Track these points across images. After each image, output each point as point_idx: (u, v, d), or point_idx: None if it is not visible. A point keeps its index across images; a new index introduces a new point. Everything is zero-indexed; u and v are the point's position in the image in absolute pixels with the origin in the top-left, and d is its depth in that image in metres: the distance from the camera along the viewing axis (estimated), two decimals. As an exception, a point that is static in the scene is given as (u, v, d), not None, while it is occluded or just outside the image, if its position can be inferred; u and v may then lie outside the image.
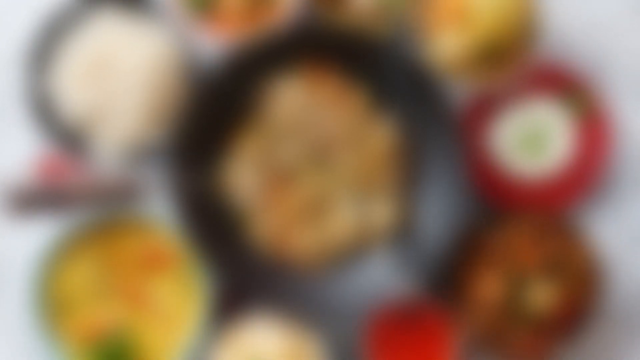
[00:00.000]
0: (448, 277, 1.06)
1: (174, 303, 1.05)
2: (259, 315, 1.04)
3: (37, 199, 1.08)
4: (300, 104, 1.06)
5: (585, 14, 1.11)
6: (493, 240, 1.04)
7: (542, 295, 1.02)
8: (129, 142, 1.04)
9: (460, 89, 1.09)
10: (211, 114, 1.06)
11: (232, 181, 1.07)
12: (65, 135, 1.06)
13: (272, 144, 1.06)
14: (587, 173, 1.08)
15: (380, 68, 1.06)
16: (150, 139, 1.05)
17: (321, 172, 1.06)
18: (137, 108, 1.04)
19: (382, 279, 1.06)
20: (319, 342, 1.05)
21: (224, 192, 1.07)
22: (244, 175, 1.06)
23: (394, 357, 1.05)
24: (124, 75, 1.04)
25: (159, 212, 1.08)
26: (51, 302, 1.04)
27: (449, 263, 1.06)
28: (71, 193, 1.08)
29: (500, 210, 1.08)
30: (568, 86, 1.09)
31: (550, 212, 1.07)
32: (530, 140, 1.09)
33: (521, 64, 1.04)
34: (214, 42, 1.09)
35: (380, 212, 1.06)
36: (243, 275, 1.05)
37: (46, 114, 1.06)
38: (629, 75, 1.10)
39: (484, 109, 1.09)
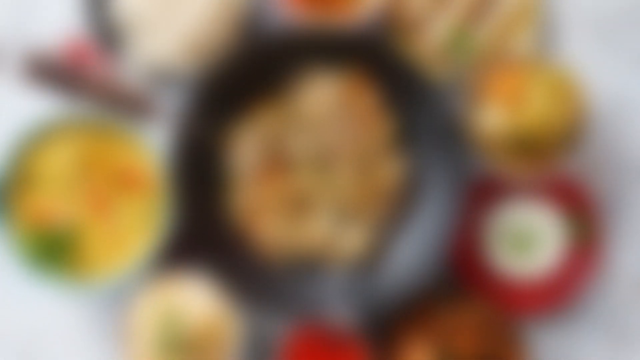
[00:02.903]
0: (384, 326, 1.07)
1: (130, 225, 1.05)
2: (197, 277, 1.04)
3: (53, 73, 1.08)
4: (327, 105, 1.06)
5: (626, 146, 1.11)
6: (441, 312, 1.04)
7: (461, 383, 1.03)
8: (162, 61, 1.04)
9: (482, 163, 1.09)
10: (245, 75, 1.06)
11: (233, 146, 1.07)
12: (105, 28, 1.06)
13: (285, 130, 1.06)
14: (559, 293, 1.08)
15: (420, 108, 1.06)
16: (182, 69, 1.05)
17: (318, 176, 1.06)
18: (184, 34, 1.04)
19: (326, 299, 1.06)
20: (242, 327, 1.05)
21: (221, 152, 1.07)
22: (247, 147, 1.06)
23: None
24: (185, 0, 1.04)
25: (155, 140, 1.08)
26: (18, 175, 1.04)
27: (391, 314, 1.07)
28: (86, 83, 1.08)
29: (461, 289, 1.08)
30: (578, 206, 1.09)
31: (506, 311, 1.07)
32: (520, 239, 1.09)
33: (549, 166, 1.04)
34: (282, 10, 1.09)
35: (353, 237, 1.07)
36: (203, 234, 1.06)
37: (96, 2, 1.06)
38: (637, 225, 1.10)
39: (493, 191, 1.09)
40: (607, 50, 1.10)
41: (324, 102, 1.06)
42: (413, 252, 1.06)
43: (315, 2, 1.06)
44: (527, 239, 1.09)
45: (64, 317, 1.08)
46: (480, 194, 1.09)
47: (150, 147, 1.04)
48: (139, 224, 1.05)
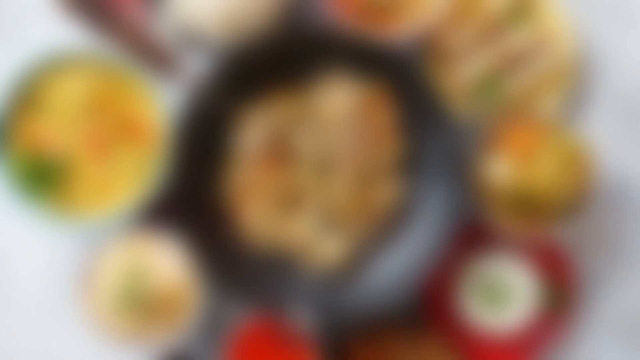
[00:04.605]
0: (341, 340, 1.07)
1: (122, 173, 1.05)
2: (172, 242, 1.04)
3: (87, 4, 1.08)
4: (343, 111, 1.06)
5: (622, 229, 1.11)
6: (399, 342, 1.04)
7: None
8: (196, 24, 1.04)
9: (477, 209, 1.08)
10: (272, 59, 1.06)
11: (242, 125, 1.07)
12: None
13: (295, 124, 1.06)
14: (516, 354, 1.08)
15: (432, 139, 1.06)
16: (213, 37, 1.05)
17: (316, 177, 1.06)
18: (224, 4, 1.03)
19: (291, 299, 1.06)
20: (202, 302, 1.05)
21: (229, 128, 1.07)
22: (254, 130, 1.06)
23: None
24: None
25: (168, 98, 1.08)
26: (26, 98, 1.04)
27: (351, 329, 1.07)
28: (117, 25, 1.08)
29: (425, 325, 1.08)
30: (558, 275, 1.09)
31: (462, 358, 1.08)
32: (493, 292, 1.09)
33: (542, 229, 1.04)
34: (327, 10, 1.08)
35: (333, 245, 1.07)
36: (189, 202, 1.06)
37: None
38: (613, 316, 1.11)
39: (480, 238, 1.09)
40: (627, 132, 1.10)
41: (340, 107, 1.06)
42: (387, 277, 1.06)
43: (362, 12, 1.05)
44: (501, 294, 1.09)
45: (34, 246, 1.09)
46: (466, 238, 1.09)
47: (162, 103, 1.04)
48: (131, 174, 1.05)
